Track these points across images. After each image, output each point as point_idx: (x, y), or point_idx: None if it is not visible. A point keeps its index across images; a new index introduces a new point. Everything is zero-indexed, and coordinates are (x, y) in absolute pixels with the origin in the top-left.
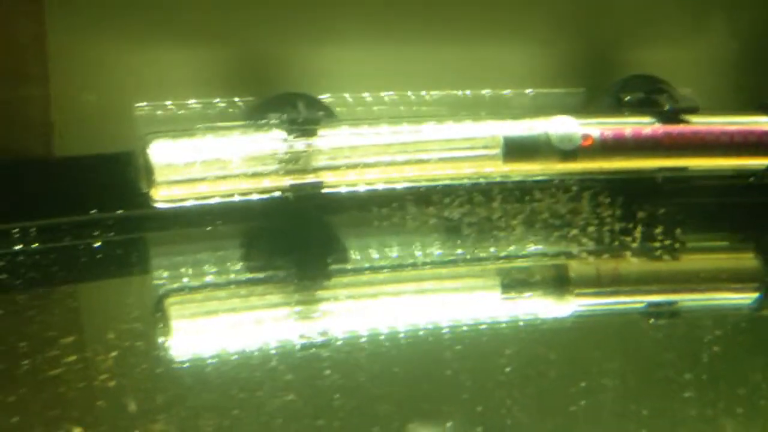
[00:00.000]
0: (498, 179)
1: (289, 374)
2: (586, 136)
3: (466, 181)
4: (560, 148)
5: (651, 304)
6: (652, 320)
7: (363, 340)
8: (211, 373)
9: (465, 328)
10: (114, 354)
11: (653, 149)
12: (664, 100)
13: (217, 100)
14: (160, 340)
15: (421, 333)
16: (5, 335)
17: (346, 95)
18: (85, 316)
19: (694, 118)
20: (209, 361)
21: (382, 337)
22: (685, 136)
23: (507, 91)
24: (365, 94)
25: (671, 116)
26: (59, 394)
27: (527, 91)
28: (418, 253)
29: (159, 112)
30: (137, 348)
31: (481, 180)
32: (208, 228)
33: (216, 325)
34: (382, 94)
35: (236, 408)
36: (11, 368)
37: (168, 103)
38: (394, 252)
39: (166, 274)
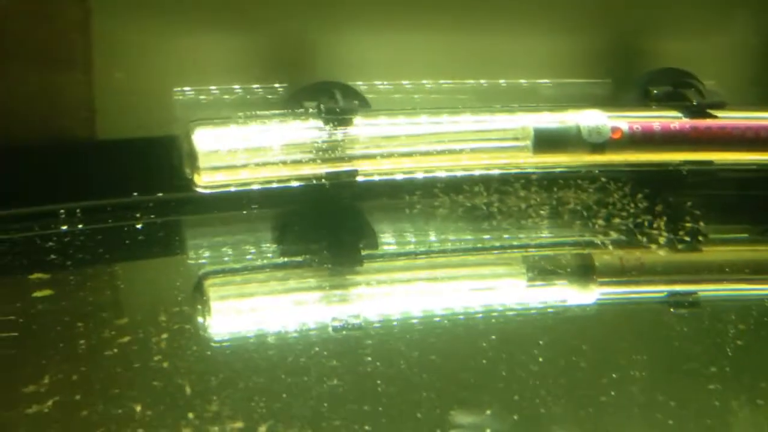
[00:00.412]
0: (527, 170)
1: (334, 360)
2: (615, 129)
3: (496, 171)
4: (590, 141)
5: (676, 295)
6: (677, 311)
7: (401, 327)
8: (259, 357)
9: (499, 316)
10: (165, 336)
11: (680, 143)
12: (691, 95)
13: (256, 86)
14: (208, 322)
15: (455, 321)
16: (62, 315)
17: (378, 83)
18: (136, 298)
19: (721, 113)
20: (256, 344)
21: (419, 325)
22: (711, 131)
23: (533, 81)
24: (398, 83)
25: (698, 111)
26: (117, 374)
27: (554, 81)
28: (449, 240)
29: (200, 97)
30: (186, 330)
31: (511, 170)
32: (244, 212)
33: (260, 309)
34: (408, 83)
35: (285, 392)
36: (71, 347)
37: (208, 88)
38: (425, 238)
39: (207, 254)
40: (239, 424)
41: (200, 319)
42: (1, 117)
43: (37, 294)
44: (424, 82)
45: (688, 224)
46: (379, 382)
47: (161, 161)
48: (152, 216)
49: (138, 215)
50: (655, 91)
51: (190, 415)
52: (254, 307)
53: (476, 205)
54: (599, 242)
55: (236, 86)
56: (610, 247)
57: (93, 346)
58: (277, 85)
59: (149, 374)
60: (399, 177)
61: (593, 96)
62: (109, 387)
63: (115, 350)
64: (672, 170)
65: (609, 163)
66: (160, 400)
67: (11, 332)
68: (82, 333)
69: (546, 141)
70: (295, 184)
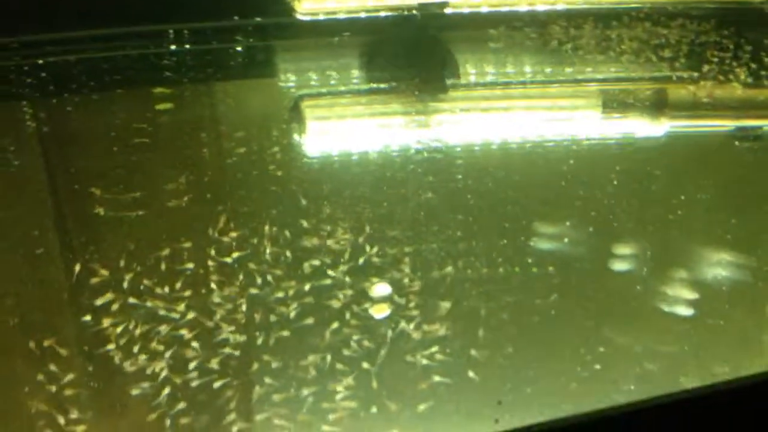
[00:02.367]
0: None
1: (429, 176)
2: None
3: (581, 4)
4: None
5: (744, 129)
6: (742, 144)
7: (487, 150)
8: (361, 170)
9: (577, 144)
10: (277, 149)
11: None
12: None
13: None
14: (314, 139)
15: (537, 146)
16: (182, 126)
17: None
18: (247, 114)
19: None
20: (358, 160)
21: (503, 149)
22: None
23: None
24: None
25: None
26: (239, 179)
27: None
28: (531, 72)
29: None
30: (295, 145)
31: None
32: (336, 38)
33: (359, 129)
34: None
35: (386, 201)
36: (198, 155)
37: None
38: (507, 70)
39: (305, 77)
40: (348, 224)
41: (306, 136)
42: None
43: (160, 107)
44: None
45: (766, 60)
46: (469, 196)
47: None
48: (251, 40)
49: (239, 38)
50: None
51: (307, 216)
52: (354, 128)
53: (558, 40)
54: (675, 77)
55: None
56: (685, 81)
57: (215, 154)
58: None
59: (267, 180)
60: (485, 9)
61: None
62: (234, 189)
63: (235, 159)
64: (754, 7)
65: None
66: (278, 201)
67: (144, 138)
68: (205, 143)
69: None
70: (387, 14)
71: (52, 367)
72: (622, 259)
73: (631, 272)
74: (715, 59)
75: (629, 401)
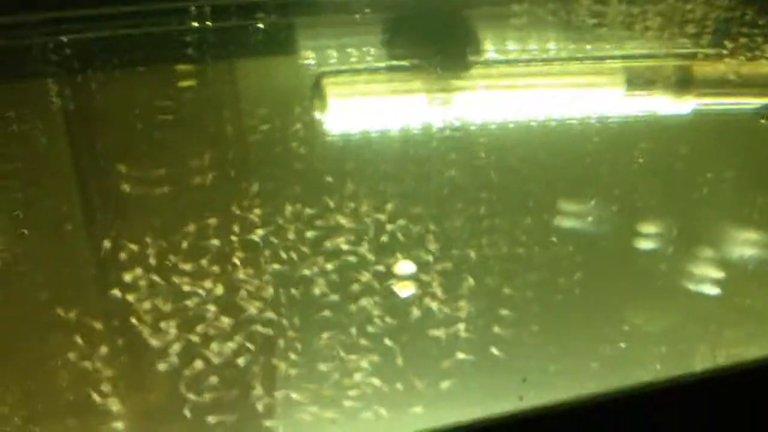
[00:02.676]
0: None
1: (452, 154)
2: None
3: None
4: None
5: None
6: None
7: (510, 128)
8: (384, 148)
9: (601, 121)
10: (299, 126)
11: None
12: None
13: None
14: (336, 116)
15: (561, 124)
16: (205, 103)
17: None
18: (269, 92)
19: None
20: (380, 137)
21: (527, 126)
22: None
23: None
24: None
25: None
26: (263, 156)
27: None
28: (554, 49)
29: None
30: (317, 122)
31: None
32: (357, 15)
33: (381, 107)
34: None
35: (409, 178)
36: (221, 132)
37: None
38: (529, 46)
39: (326, 54)
40: (372, 201)
41: (328, 114)
42: None
43: (183, 84)
44: None
45: None
46: (492, 174)
47: None
48: (273, 17)
49: (260, 15)
50: None
51: (330, 193)
52: (376, 105)
53: (582, 16)
54: (700, 54)
55: None
56: (710, 58)
57: (238, 131)
58: None
59: (290, 157)
60: None
61: None
62: (258, 166)
63: (258, 136)
64: None
65: None
66: (302, 178)
67: (167, 116)
68: (228, 120)
69: None
70: None
71: (82, 341)
72: (647, 237)
73: (655, 251)
74: (742, 36)
75: (654, 380)
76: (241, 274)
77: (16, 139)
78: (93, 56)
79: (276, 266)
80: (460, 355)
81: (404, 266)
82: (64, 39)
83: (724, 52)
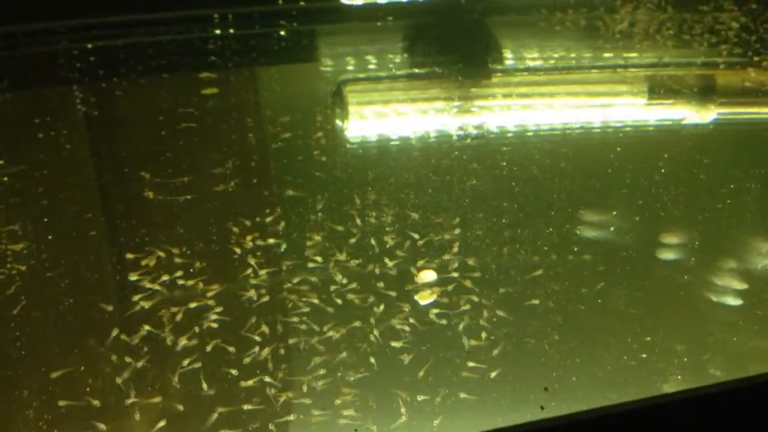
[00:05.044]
0: None
1: (474, 163)
2: None
3: None
4: None
5: None
6: None
7: (533, 137)
8: (405, 157)
9: (624, 131)
10: (321, 134)
11: None
12: None
13: None
14: (357, 125)
15: (584, 134)
16: (230, 111)
17: None
18: (291, 99)
19: None
20: (402, 146)
21: (549, 136)
22: None
23: None
24: None
25: None
26: (284, 165)
27: None
28: (577, 57)
29: None
30: (339, 130)
31: None
32: (379, 23)
33: (402, 115)
34: None
35: (431, 187)
36: (243, 139)
37: None
38: (552, 54)
39: (347, 62)
40: (393, 210)
41: (350, 122)
42: None
43: (206, 92)
44: None
45: None
46: (514, 183)
47: None
48: (295, 24)
49: (283, 23)
50: None
51: (354, 200)
52: (397, 113)
53: (604, 24)
54: (723, 63)
55: None
56: (734, 67)
57: (260, 139)
58: None
59: (312, 166)
60: None
61: None
62: (280, 174)
63: (280, 144)
64: None
65: None
66: (324, 187)
67: (191, 123)
68: (250, 127)
69: None
70: None
71: (108, 342)
72: (670, 248)
73: (678, 261)
74: (765, 45)
75: (675, 391)
76: (263, 279)
77: (41, 145)
78: (117, 63)
79: (298, 272)
80: (483, 365)
81: (426, 275)
82: (89, 46)
83: (748, 61)
